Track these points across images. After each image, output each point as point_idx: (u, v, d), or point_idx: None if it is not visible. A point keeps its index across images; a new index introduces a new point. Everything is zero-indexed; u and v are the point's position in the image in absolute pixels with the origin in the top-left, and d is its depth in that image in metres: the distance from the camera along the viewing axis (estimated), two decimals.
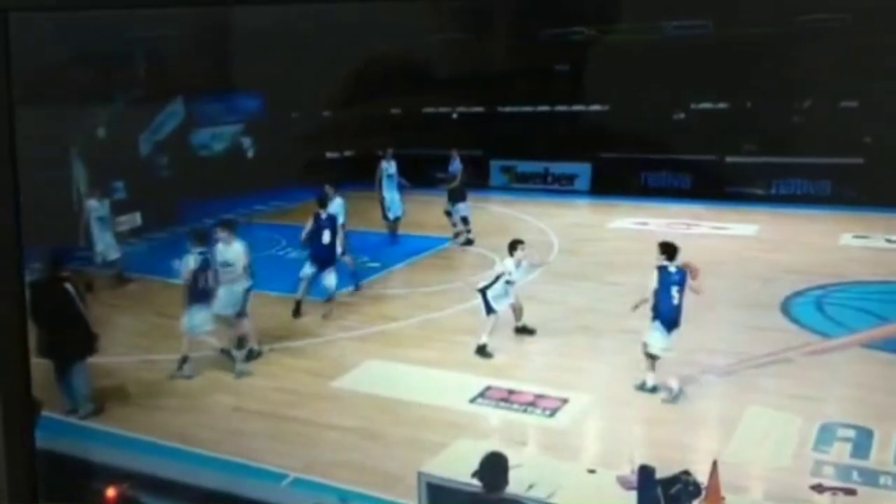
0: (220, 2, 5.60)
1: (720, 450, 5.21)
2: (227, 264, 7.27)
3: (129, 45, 8.38)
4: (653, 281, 6.18)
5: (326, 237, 8.04)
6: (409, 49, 9.08)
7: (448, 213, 9.31)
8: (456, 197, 9.25)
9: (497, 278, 7.01)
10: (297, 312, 7.80)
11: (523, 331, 7.15)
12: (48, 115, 7.46)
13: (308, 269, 7.92)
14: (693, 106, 10.23)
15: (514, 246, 7.01)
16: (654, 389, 6.09)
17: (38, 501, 5.23)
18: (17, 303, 5.24)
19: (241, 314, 7.13)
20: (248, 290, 7.23)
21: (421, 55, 8.99)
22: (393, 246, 9.29)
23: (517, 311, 7.17)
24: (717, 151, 9.80)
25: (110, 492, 5.41)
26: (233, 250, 7.37)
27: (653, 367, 6.12)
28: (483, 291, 7.02)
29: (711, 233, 8.88)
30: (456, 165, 9.31)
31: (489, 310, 6.98)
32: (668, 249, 6.30)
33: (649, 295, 6.17)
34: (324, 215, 8.16)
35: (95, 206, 8.46)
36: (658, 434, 5.60)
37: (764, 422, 5.55)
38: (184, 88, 9.87)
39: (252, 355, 6.99)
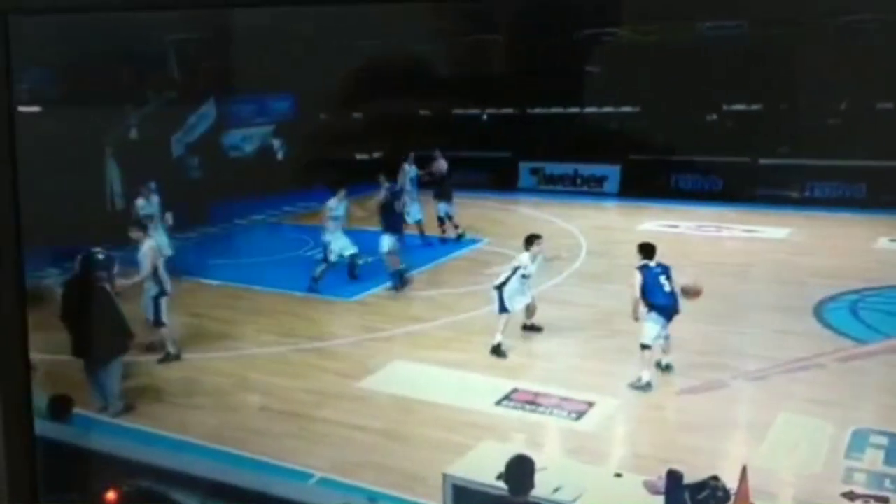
0: (215, 4, 5.61)
1: (750, 455, 5.14)
2: (134, 264, 7.17)
3: (158, 47, 8.51)
4: (637, 281, 6.35)
5: (399, 207, 8.40)
6: (438, 51, 9.09)
7: (441, 220, 9.43)
8: (441, 196, 9.34)
9: (513, 272, 7.03)
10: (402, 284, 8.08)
11: (531, 328, 7.20)
12: (80, 117, 7.58)
13: (389, 241, 8.15)
14: (725, 108, 10.12)
15: (530, 241, 7.06)
16: (648, 385, 6.19)
17: (38, 500, 5.26)
18: (16, 303, 5.26)
19: (157, 322, 7.09)
20: (156, 297, 7.13)
21: (450, 57, 8.99)
22: (425, 248, 9.36)
23: (531, 309, 7.21)
24: (749, 154, 9.69)
25: (124, 490, 5.45)
26: (141, 251, 7.24)
27: (648, 363, 6.23)
28: (499, 288, 7.04)
29: (742, 236, 8.77)
30: (440, 164, 9.32)
31: (502, 308, 7.02)
32: (647, 249, 6.51)
33: (638, 296, 6.32)
34: (397, 186, 8.41)
35: (142, 205, 8.53)
36: (686, 439, 5.53)
37: (795, 427, 5.47)
38: (215, 90, 9.99)
39: (168, 358, 6.97)
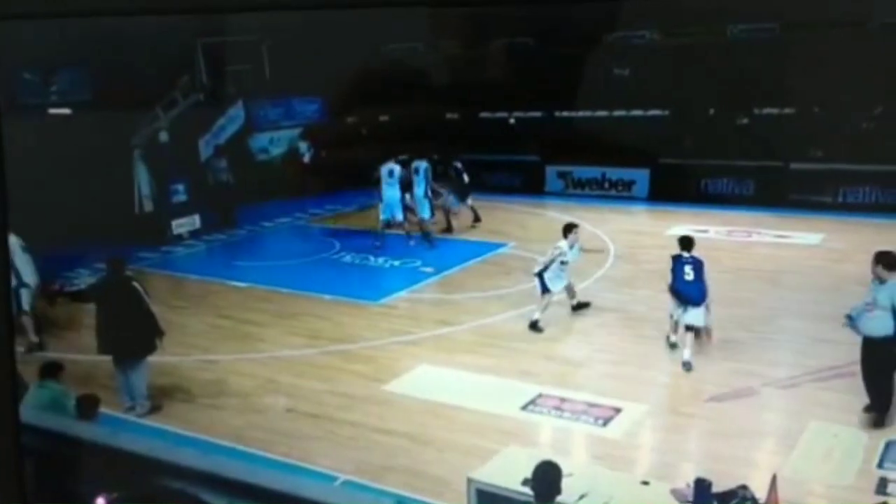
0: (209, 9, 5.63)
1: (780, 464, 5.06)
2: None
3: (187, 50, 8.59)
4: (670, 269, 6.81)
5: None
6: (466, 55, 9.06)
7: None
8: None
9: (553, 260, 7.43)
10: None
11: (579, 307, 7.57)
12: (109, 120, 7.66)
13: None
14: (757, 111, 9.99)
15: (568, 229, 7.59)
16: (688, 364, 6.45)
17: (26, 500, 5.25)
18: (2, 304, 5.29)
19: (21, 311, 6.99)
20: (16, 289, 7.21)
21: (477, 61, 8.97)
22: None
23: (570, 290, 7.56)
24: (781, 157, 9.55)
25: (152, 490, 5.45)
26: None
27: (689, 344, 6.53)
28: (540, 274, 7.47)
29: (774, 241, 8.64)
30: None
31: (544, 290, 7.45)
32: (683, 241, 6.92)
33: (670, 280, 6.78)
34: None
35: None
36: (715, 446, 5.46)
37: (827, 437, 5.37)
38: (243, 93, 10.07)
39: (33, 349, 6.90)
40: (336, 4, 5.24)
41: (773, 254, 8.07)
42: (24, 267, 7.16)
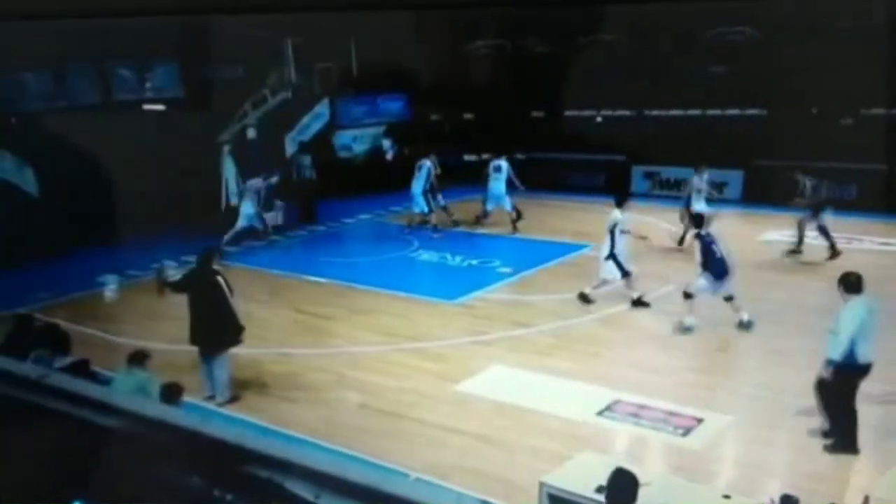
0: (196, 10, 5.63)
1: (873, 484, 4.73)
2: None
3: (275, 49, 8.79)
4: (697, 248, 7.09)
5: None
6: (553, 53, 8.93)
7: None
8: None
9: (613, 235, 7.57)
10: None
11: (639, 303, 7.66)
12: (199, 117, 7.88)
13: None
14: (863, 111, 9.50)
15: (621, 201, 7.81)
16: (689, 329, 6.96)
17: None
18: None
19: None
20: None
21: (563, 56, 8.83)
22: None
23: (629, 279, 7.70)
24: (888, 161, 9.06)
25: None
26: None
27: (690, 310, 7.01)
28: (612, 256, 7.60)
29: (876, 248, 8.20)
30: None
31: (624, 273, 7.64)
32: (696, 220, 7.45)
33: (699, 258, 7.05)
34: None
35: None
36: (803, 463, 5.16)
37: None
38: (329, 91, 10.24)
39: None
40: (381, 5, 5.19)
41: (874, 261, 7.62)
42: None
